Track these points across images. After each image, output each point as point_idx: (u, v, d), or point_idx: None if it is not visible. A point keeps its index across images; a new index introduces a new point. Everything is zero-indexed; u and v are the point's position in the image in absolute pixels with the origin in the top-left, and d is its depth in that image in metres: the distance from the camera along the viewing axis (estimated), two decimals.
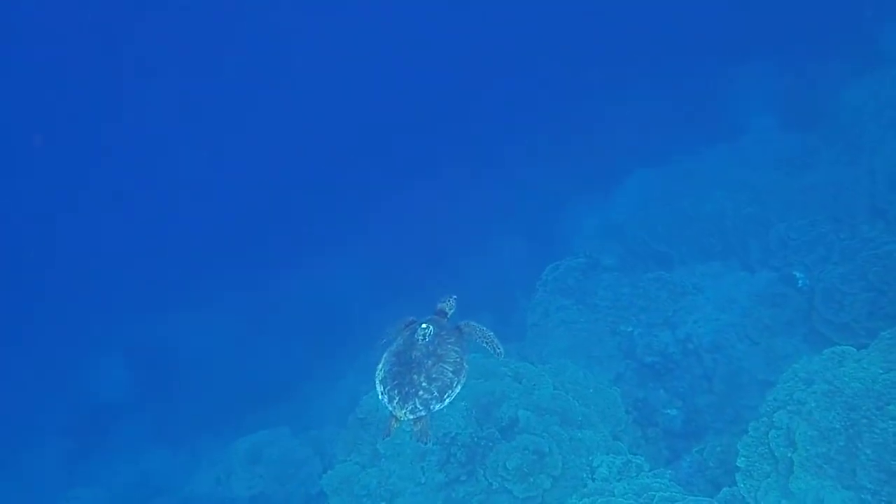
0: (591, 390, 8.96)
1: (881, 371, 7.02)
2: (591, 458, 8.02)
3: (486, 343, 5.45)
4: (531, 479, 7.81)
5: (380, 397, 5.15)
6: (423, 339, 5.15)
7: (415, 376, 5.04)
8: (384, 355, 5.29)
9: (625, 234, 13.08)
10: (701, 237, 12.12)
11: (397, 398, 5.03)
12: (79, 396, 16.95)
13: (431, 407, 5.04)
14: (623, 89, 19.80)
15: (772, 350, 9.50)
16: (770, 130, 14.02)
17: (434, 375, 5.05)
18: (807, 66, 15.67)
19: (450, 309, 5.65)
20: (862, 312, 9.17)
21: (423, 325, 5.21)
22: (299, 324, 17.72)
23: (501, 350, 5.48)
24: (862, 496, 6.34)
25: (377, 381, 5.20)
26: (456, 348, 5.20)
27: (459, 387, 5.17)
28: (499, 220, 17.66)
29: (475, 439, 8.29)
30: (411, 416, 5.01)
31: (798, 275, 10.14)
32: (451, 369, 5.10)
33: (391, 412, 5.08)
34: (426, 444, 5.17)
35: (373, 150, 23.80)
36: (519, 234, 16.80)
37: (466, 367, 5.25)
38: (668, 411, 9.53)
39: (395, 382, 5.08)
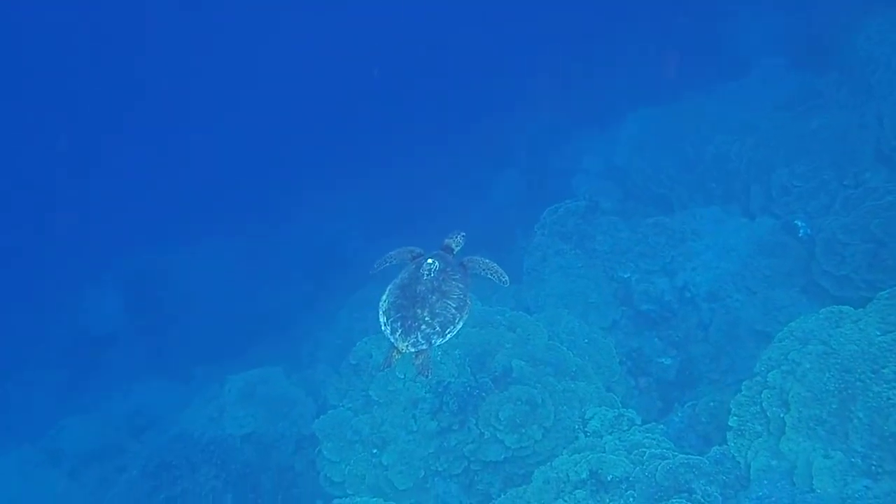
0: (586, 340, 8.93)
1: (878, 333, 6.95)
2: (583, 410, 8.02)
3: (491, 274, 5.60)
4: (523, 430, 7.83)
5: (382, 328, 5.24)
6: (428, 275, 5.21)
7: (418, 310, 5.12)
8: (388, 287, 5.38)
9: (625, 175, 12.89)
10: (702, 181, 11.94)
11: (400, 330, 5.12)
12: (74, 327, 16.97)
13: (433, 341, 5.14)
14: (626, 24, 19.28)
15: (770, 301, 9.44)
16: (777, 69, 13.63)
17: (437, 310, 5.13)
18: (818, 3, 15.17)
19: (457, 245, 5.73)
20: (862, 264, 9.06)
21: (430, 261, 5.27)
22: (295, 260, 17.77)
23: (506, 278, 5.61)
24: (852, 459, 6.33)
25: (381, 312, 5.27)
26: (460, 285, 5.29)
27: (461, 323, 5.26)
28: (497, 156, 17.39)
29: (468, 388, 8.28)
30: (413, 349, 5.12)
31: (799, 223, 10.00)
32: (454, 305, 5.18)
33: (393, 343, 5.18)
34: (427, 377, 5.30)
35: (373, 97, 23.30)
36: (518, 170, 16.57)
37: (469, 303, 5.34)
38: (662, 360, 9.53)
39: (399, 315, 5.16)
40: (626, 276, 10.51)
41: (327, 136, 23.96)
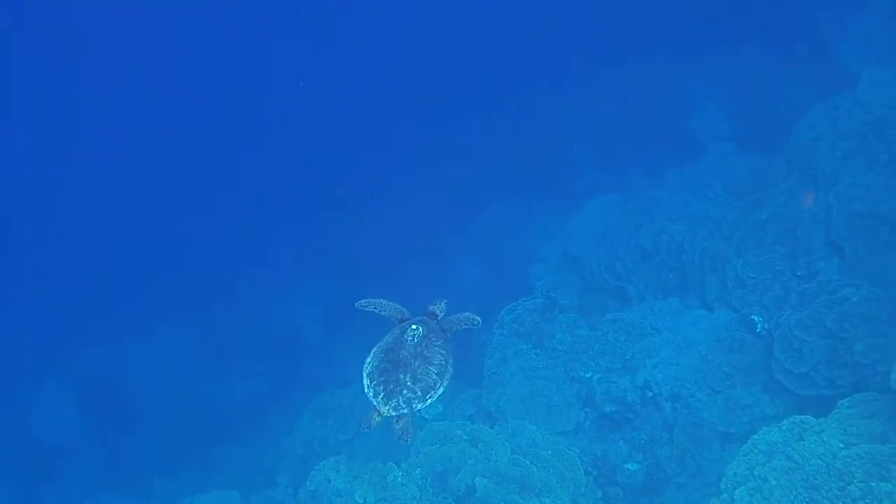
0: (550, 452, 8.76)
1: (841, 446, 6.91)
2: None
3: (466, 324, 5.82)
4: None
5: (365, 390, 5.43)
6: (411, 340, 5.41)
7: (401, 375, 5.32)
8: (373, 350, 5.56)
9: (582, 266, 12.89)
10: (659, 272, 11.96)
11: (382, 394, 5.31)
12: (21, 438, 16.29)
13: (414, 406, 5.33)
14: (575, 98, 19.56)
15: (732, 400, 9.38)
16: (727, 155, 13.91)
17: (419, 376, 5.33)
18: (767, 80, 15.59)
19: (440, 311, 5.90)
20: (821, 360, 9.06)
21: (413, 327, 5.46)
22: (255, 349, 17.29)
23: (478, 320, 5.85)
24: None
25: (364, 374, 5.46)
26: (442, 351, 5.49)
27: (442, 388, 5.46)
28: (452, 243, 17.34)
29: None
30: (394, 413, 5.30)
31: (756, 318, 10.02)
32: (435, 371, 5.39)
33: (375, 406, 5.33)
34: (407, 442, 5.47)
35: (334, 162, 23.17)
36: (474, 257, 16.52)
37: (451, 370, 5.52)
38: (629, 466, 9.36)
39: (382, 379, 5.34)
40: (587, 375, 10.39)
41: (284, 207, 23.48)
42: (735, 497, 6.99)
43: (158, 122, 26.22)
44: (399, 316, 5.84)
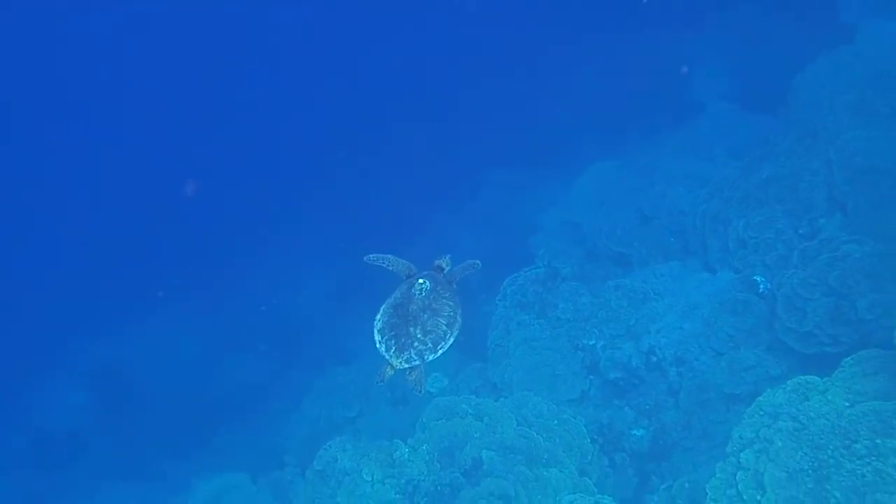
0: (556, 422, 8.75)
1: (846, 405, 6.87)
2: (558, 500, 7.81)
3: (469, 270, 6.00)
4: None
5: (377, 345, 5.54)
6: (419, 294, 5.54)
7: (411, 328, 5.45)
8: (382, 307, 5.68)
9: (583, 233, 12.81)
10: (660, 236, 11.87)
11: (394, 348, 5.44)
12: (31, 427, 16.38)
13: (425, 357, 5.47)
14: (570, 66, 19.35)
15: (736, 362, 9.32)
16: (726, 113, 13.73)
17: (429, 328, 5.46)
18: (764, 36, 15.37)
19: (446, 265, 6.04)
20: (824, 318, 9.00)
21: (421, 281, 5.59)
22: (259, 330, 17.30)
23: (478, 263, 6.01)
24: None
25: (375, 330, 5.57)
26: (450, 303, 5.63)
27: (452, 339, 5.58)
28: (454, 211, 17.27)
29: (439, 487, 8.05)
30: (406, 365, 5.44)
31: (759, 279, 9.94)
32: (444, 323, 5.52)
33: (387, 360, 5.46)
34: (421, 392, 5.62)
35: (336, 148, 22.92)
36: (476, 226, 16.46)
37: (460, 320, 5.67)
38: (635, 432, 9.36)
39: (393, 333, 5.47)
40: (591, 343, 10.36)
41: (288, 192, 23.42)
42: (741, 460, 6.98)
43: (157, 100, 26.15)
44: (406, 271, 5.91)
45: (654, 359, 9.87)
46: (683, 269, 11.17)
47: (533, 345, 10.42)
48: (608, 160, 14.38)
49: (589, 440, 8.73)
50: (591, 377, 10.06)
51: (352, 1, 27.20)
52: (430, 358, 5.49)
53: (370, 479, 8.23)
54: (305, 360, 15.42)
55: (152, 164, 24.65)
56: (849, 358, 7.28)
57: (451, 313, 5.59)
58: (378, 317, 5.64)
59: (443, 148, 19.57)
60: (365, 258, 6.00)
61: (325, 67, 26.78)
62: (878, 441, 6.38)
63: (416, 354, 5.43)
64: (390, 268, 5.97)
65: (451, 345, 5.60)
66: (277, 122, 25.76)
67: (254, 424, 13.76)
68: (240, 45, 27.20)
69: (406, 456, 8.28)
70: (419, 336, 5.44)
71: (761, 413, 7.26)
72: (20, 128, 26.85)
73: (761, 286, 9.88)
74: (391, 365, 5.46)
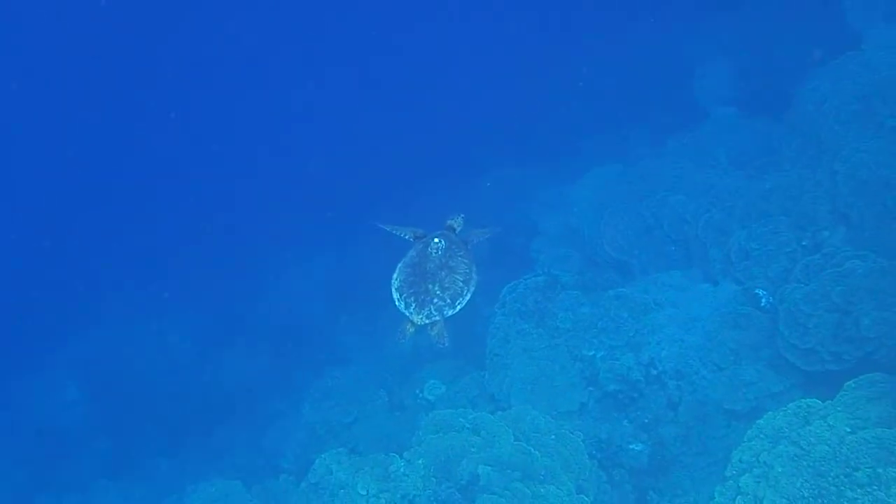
0: (553, 437, 8.67)
1: (848, 430, 6.79)
2: None
3: (483, 236, 6.39)
4: None
5: (396, 304, 5.77)
6: (436, 252, 5.76)
7: (430, 286, 5.68)
8: (398, 265, 5.92)
9: (584, 240, 12.70)
10: (661, 245, 11.78)
11: (414, 304, 5.68)
12: (24, 422, 16.31)
13: (445, 313, 5.71)
14: (575, 65, 19.17)
15: (737, 377, 9.24)
16: (729, 119, 13.59)
17: (447, 285, 5.70)
18: (770, 40, 15.18)
19: (458, 225, 6.38)
20: (826, 335, 8.89)
21: (436, 240, 5.80)
22: (257, 329, 17.19)
23: (497, 228, 6.52)
24: None
25: (393, 289, 5.80)
26: (465, 260, 5.87)
27: (469, 294, 5.83)
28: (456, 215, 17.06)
29: (434, 502, 7.97)
30: (427, 321, 5.67)
31: (761, 293, 9.85)
32: (461, 279, 5.77)
33: (408, 317, 5.68)
34: (445, 345, 5.79)
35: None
36: (478, 230, 16.28)
37: (475, 277, 5.91)
38: (633, 446, 9.27)
39: (412, 291, 5.70)
40: (590, 353, 10.26)
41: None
42: (741, 484, 6.90)
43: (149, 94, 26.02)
44: (413, 234, 6.15)
45: (654, 371, 9.78)
46: (685, 280, 11.08)
47: (532, 354, 10.33)
48: (610, 163, 14.28)
49: (587, 456, 8.66)
50: (591, 389, 9.96)
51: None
52: (449, 313, 5.70)
53: (365, 493, 8.15)
54: (303, 360, 15.33)
55: (147, 162, 24.53)
56: (851, 381, 7.19)
57: (467, 270, 5.81)
58: (395, 276, 5.84)
59: (443, 149, 19.38)
60: (374, 223, 6.34)
61: (322, 63, 26.59)
62: (879, 470, 6.30)
63: (435, 310, 5.64)
64: (398, 233, 6.24)
65: (469, 300, 5.82)
66: (276, 120, 25.58)
67: (250, 426, 13.67)
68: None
69: (402, 470, 8.20)
70: (438, 293, 5.66)
71: (761, 436, 7.18)
72: None
73: (763, 300, 9.78)
74: (412, 322, 5.66)
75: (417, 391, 11.10)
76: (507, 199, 15.72)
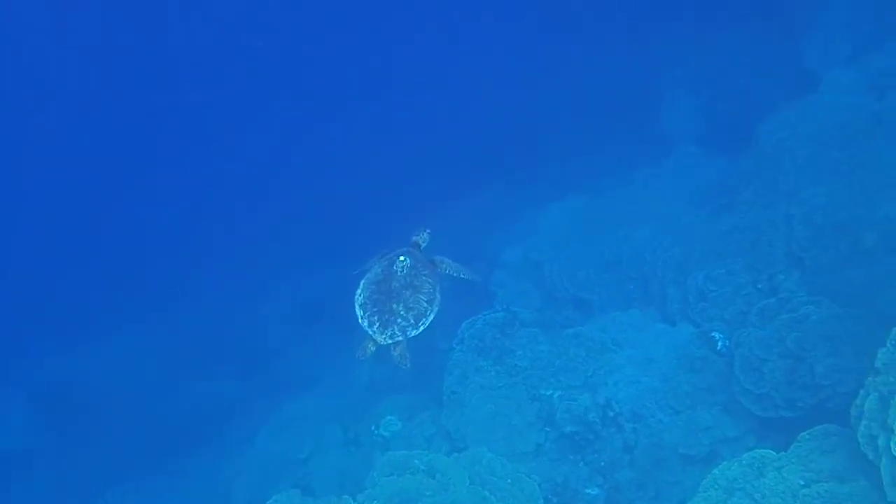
0: (509, 481, 8.59)
1: (801, 483, 6.82)
2: None
3: (462, 274, 6.30)
4: None
5: (360, 321, 5.75)
6: (401, 271, 5.77)
7: (394, 305, 5.68)
8: (362, 282, 5.89)
9: (544, 275, 12.70)
10: (621, 282, 11.85)
11: (377, 324, 5.67)
12: None
13: (408, 333, 5.71)
14: (544, 91, 19.29)
15: (693, 422, 9.27)
16: (690, 158, 13.76)
17: (411, 304, 5.71)
18: (733, 79, 15.41)
19: (423, 241, 6.38)
20: (781, 381, 8.96)
21: (402, 258, 5.82)
22: (219, 352, 16.96)
23: (480, 278, 6.49)
24: None
25: (357, 306, 5.79)
26: (430, 280, 5.86)
27: (433, 315, 5.82)
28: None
29: None
30: (390, 341, 5.67)
31: (717, 336, 9.90)
32: (425, 299, 5.78)
33: (371, 336, 5.66)
34: (407, 367, 5.76)
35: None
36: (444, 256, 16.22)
37: (439, 297, 5.92)
38: (589, 490, 9.24)
39: (376, 309, 5.69)
40: (548, 393, 10.23)
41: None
42: None
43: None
44: (380, 254, 6.12)
45: (611, 413, 9.76)
46: (643, 319, 11.12)
47: (489, 393, 10.26)
48: (574, 194, 14.34)
49: (542, 501, 8.60)
50: (547, 429, 9.92)
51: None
52: (413, 333, 5.69)
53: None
54: (266, 385, 15.14)
55: (116, 180, 24.14)
56: (805, 433, 7.23)
57: (432, 290, 5.80)
58: (358, 292, 5.82)
59: (408, 165, 19.34)
60: (352, 272, 6.13)
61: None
62: None
63: (399, 330, 5.64)
64: (369, 265, 6.13)
65: (432, 321, 5.80)
66: (247, 138, 25.38)
67: (207, 452, 13.45)
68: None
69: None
70: (402, 313, 5.65)
71: (716, 486, 7.18)
72: None
73: (719, 343, 9.83)
74: (374, 340, 5.64)
75: (373, 427, 10.94)
76: (470, 228, 15.69)
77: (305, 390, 14.07)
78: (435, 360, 12.43)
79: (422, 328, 5.76)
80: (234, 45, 26.62)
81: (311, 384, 14.54)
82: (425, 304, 5.75)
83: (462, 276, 6.26)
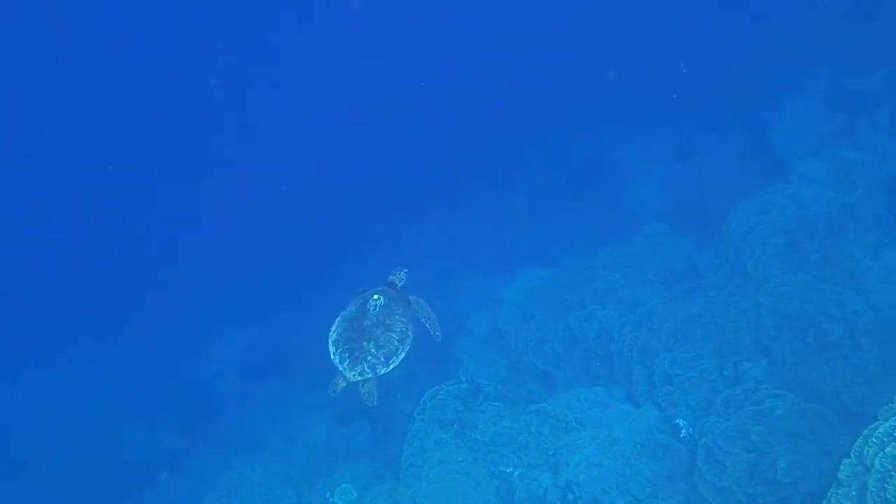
0: None
1: None
2: None
3: (429, 323, 6.37)
4: None
5: (332, 357, 5.86)
6: (374, 310, 5.89)
7: (365, 343, 5.81)
8: (337, 318, 5.98)
9: (510, 345, 12.57)
10: (586, 359, 11.74)
11: (348, 361, 5.78)
12: None
13: (378, 371, 5.82)
14: (513, 159, 19.33)
15: None
16: (659, 237, 13.78)
17: (382, 343, 5.83)
18: (702, 160, 15.61)
19: (399, 281, 6.46)
20: (743, 475, 8.90)
21: (375, 297, 5.95)
22: (166, 401, 16.42)
23: (440, 333, 6.42)
24: None
25: (330, 342, 5.87)
26: (403, 319, 5.99)
27: (403, 353, 5.92)
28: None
29: None
30: (359, 378, 5.79)
31: (681, 423, 9.84)
32: (396, 338, 5.90)
33: (341, 372, 5.78)
34: (374, 404, 5.90)
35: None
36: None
37: (411, 336, 6.02)
38: None
39: (347, 346, 5.81)
40: (508, 470, 10.06)
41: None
42: None
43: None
44: (357, 293, 6.20)
45: (571, 496, 9.61)
46: (608, 398, 11.04)
47: (448, 467, 10.06)
48: (541, 266, 14.31)
49: None
50: None
51: None
52: (383, 371, 5.80)
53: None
54: (212, 440, 14.66)
55: (57, 212, 23.59)
56: None
57: (403, 329, 5.94)
58: (333, 328, 5.93)
59: (375, 228, 19.14)
60: (329, 393, 6.07)
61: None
62: None
63: (369, 368, 5.76)
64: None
65: (403, 359, 5.90)
66: (203, 177, 25.01)
67: None
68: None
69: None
70: (372, 350, 5.78)
71: None
72: None
73: (683, 431, 9.76)
74: (344, 377, 5.76)
75: (328, 494, 10.64)
76: (438, 292, 15.52)
77: (257, 449, 13.67)
78: (396, 425, 12.22)
79: (392, 366, 5.84)
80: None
81: (264, 441, 14.13)
82: (396, 343, 5.86)
83: (427, 324, 6.33)
